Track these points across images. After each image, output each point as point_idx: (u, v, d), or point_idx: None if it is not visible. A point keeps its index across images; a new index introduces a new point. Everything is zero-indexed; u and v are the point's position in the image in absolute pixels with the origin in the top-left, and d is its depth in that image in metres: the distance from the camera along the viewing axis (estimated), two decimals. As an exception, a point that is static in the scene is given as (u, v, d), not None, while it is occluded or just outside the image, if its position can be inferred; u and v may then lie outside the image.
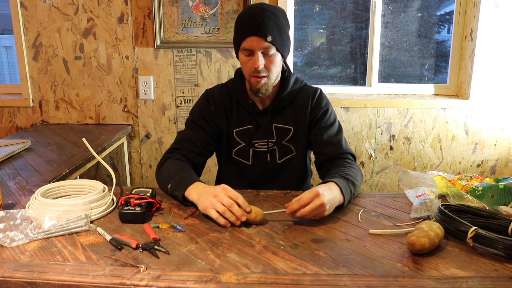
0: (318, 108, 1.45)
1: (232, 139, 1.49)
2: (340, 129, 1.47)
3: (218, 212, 1.09)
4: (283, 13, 1.37)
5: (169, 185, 1.25)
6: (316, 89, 1.48)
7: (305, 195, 1.10)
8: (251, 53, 1.32)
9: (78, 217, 1.09)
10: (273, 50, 1.32)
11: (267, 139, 1.47)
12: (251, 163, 1.50)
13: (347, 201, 1.20)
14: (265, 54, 1.32)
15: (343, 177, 1.24)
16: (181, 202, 1.23)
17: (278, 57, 1.35)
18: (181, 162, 1.36)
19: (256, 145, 1.48)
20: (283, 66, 1.46)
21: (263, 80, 1.35)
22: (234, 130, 1.47)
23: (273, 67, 1.35)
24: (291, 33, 2.47)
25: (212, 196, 1.12)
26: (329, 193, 1.12)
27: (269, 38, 1.29)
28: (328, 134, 1.43)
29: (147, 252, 0.97)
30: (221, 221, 1.09)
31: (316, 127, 1.45)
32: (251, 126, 1.46)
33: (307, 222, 1.13)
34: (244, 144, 1.48)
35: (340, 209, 1.19)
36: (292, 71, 1.51)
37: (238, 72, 1.48)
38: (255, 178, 1.52)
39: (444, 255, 0.96)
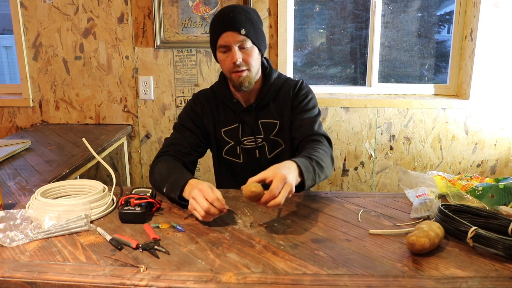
0: (298, 96, 1.47)
1: (220, 139, 1.51)
2: (318, 114, 1.47)
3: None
4: (254, 11, 1.42)
5: (165, 189, 1.25)
6: (298, 80, 1.50)
7: (275, 185, 1.04)
8: (228, 49, 1.36)
9: (78, 217, 1.09)
10: (249, 43, 1.36)
11: (254, 135, 1.48)
12: (242, 161, 1.52)
13: (310, 180, 1.17)
14: (242, 48, 1.35)
15: (306, 157, 1.22)
16: (179, 203, 1.23)
17: (256, 51, 1.39)
18: (171, 162, 1.37)
19: (244, 142, 1.50)
20: (264, 63, 1.48)
21: (244, 73, 1.37)
22: (222, 130, 1.50)
23: (251, 60, 1.37)
24: (290, 33, 2.50)
25: (191, 198, 1.12)
26: (292, 174, 1.10)
27: (243, 31, 1.33)
28: (303, 117, 1.43)
29: (147, 252, 0.97)
30: (207, 219, 1.11)
31: (294, 112, 1.46)
32: (237, 124, 1.49)
33: (307, 222, 1.13)
34: (233, 143, 1.50)
35: (303, 189, 1.17)
36: (289, 71, 1.52)
37: (222, 74, 1.51)
38: (248, 176, 1.51)
39: (444, 255, 0.96)
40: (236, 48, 1.34)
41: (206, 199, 1.09)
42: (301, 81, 1.50)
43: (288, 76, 1.58)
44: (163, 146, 1.46)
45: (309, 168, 1.19)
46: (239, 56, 1.34)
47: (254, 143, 1.49)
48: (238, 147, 1.50)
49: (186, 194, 1.19)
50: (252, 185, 1.05)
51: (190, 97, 1.56)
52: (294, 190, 1.09)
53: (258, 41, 1.39)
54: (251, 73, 1.38)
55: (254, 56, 1.38)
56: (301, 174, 1.15)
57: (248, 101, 1.48)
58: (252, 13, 1.39)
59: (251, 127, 1.48)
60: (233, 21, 1.33)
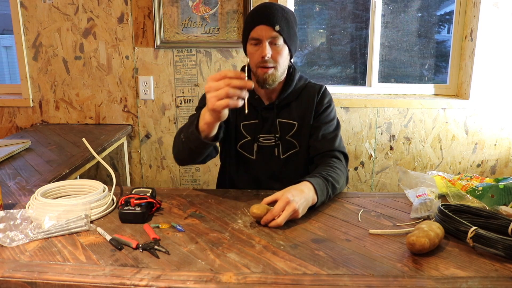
0: (321, 104, 1.48)
1: (238, 132, 1.50)
2: (337, 126, 1.48)
3: (223, 98, 1.09)
4: (292, 12, 1.42)
5: (182, 137, 1.26)
6: (321, 85, 1.51)
7: (277, 206, 1.10)
8: (258, 42, 1.35)
9: (78, 217, 1.09)
10: (280, 41, 1.35)
11: (272, 133, 1.48)
12: (255, 158, 1.51)
13: (320, 202, 1.21)
14: (273, 44, 1.35)
15: (323, 178, 1.25)
16: (200, 142, 1.22)
17: (286, 50, 1.38)
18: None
19: (260, 139, 1.49)
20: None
21: (270, 71, 1.36)
22: (242, 123, 1.49)
23: (280, 58, 1.36)
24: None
25: (208, 93, 1.11)
26: (300, 196, 1.13)
27: (277, 28, 1.32)
28: (325, 129, 1.45)
29: (147, 252, 0.97)
30: (232, 104, 1.09)
31: (316, 121, 1.47)
32: (257, 120, 1.48)
33: (307, 222, 1.13)
34: (249, 138, 1.50)
35: (312, 209, 1.19)
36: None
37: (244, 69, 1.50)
38: (258, 174, 1.53)
39: (444, 255, 0.96)
40: (267, 43, 1.34)
41: (220, 78, 1.08)
42: (324, 86, 1.51)
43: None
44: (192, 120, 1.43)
45: (324, 191, 1.22)
46: (268, 51, 1.34)
47: (270, 141, 1.49)
48: (255, 144, 1.50)
49: (201, 123, 1.19)
50: (255, 206, 1.11)
51: (200, 94, 1.53)
52: (301, 211, 1.12)
53: (290, 41, 1.38)
54: (277, 71, 1.38)
55: (284, 55, 1.37)
56: (316, 194, 1.19)
57: (270, 98, 1.48)
58: (289, 14, 1.39)
59: (269, 125, 1.48)
60: (269, 16, 1.33)
